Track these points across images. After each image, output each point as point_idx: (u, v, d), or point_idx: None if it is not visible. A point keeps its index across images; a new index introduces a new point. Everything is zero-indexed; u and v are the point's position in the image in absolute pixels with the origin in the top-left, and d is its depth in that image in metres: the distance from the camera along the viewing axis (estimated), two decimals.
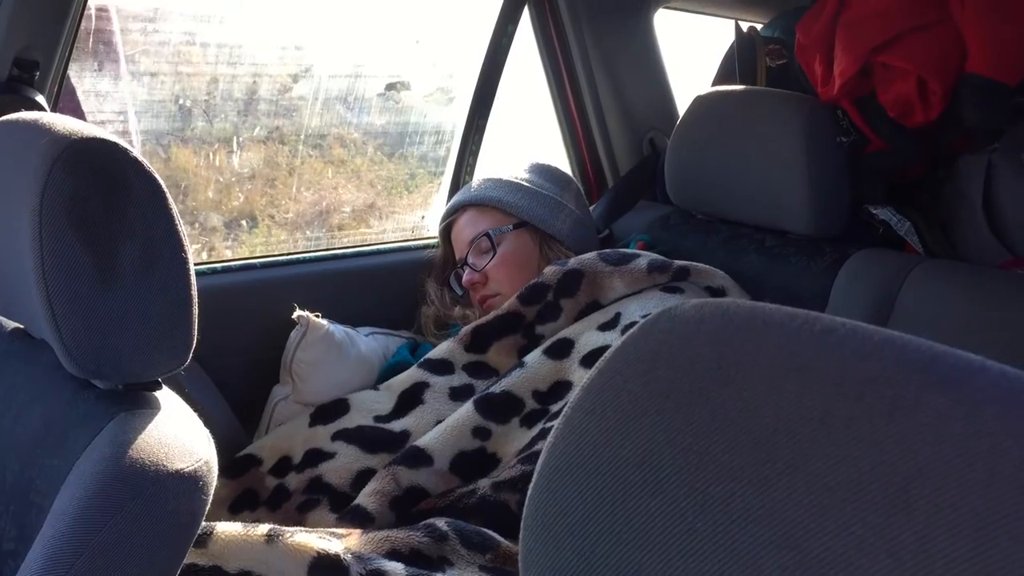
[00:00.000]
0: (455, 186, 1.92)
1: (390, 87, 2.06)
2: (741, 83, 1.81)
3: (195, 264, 1.54)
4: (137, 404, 0.81)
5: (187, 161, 1.96)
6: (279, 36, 1.91)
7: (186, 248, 0.84)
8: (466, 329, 1.52)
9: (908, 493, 0.33)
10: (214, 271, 1.57)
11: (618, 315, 1.46)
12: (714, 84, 1.92)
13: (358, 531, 1.16)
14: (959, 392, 0.34)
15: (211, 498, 0.78)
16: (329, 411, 1.46)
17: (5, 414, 0.88)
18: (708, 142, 1.66)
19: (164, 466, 0.74)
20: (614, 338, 1.41)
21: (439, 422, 1.39)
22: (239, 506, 1.37)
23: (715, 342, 0.41)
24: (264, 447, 1.42)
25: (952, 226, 1.53)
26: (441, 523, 1.19)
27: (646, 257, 1.53)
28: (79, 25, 1.24)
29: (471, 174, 1.94)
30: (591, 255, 1.54)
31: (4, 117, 0.89)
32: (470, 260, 1.64)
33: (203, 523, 0.80)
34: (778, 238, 1.60)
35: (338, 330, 1.54)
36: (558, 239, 1.65)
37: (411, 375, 1.49)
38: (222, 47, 1.84)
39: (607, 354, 0.45)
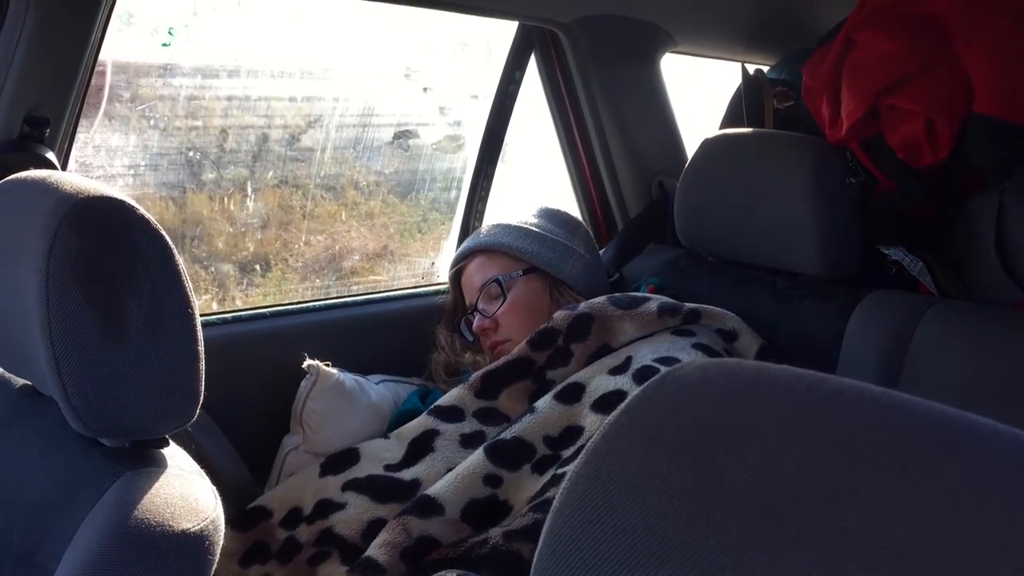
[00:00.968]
0: (465, 232, 1.93)
1: (400, 135, 2.08)
2: (749, 125, 1.81)
3: (205, 314, 1.56)
4: (143, 462, 0.81)
5: (202, 206, 1.98)
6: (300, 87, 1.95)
7: (193, 304, 0.84)
8: (476, 375, 1.51)
9: (920, 569, 0.32)
10: (224, 321, 1.57)
11: (629, 359, 1.45)
12: (722, 127, 1.93)
13: None
14: (970, 461, 0.33)
15: (218, 556, 0.77)
16: (339, 461, 1.45)
17: (13, 471, 0.88)
18: (717, 185, 1.66)
19: (169, 527, 0.73)
20: (625, 382, 1.39)
21: (450, 470, 1.38)
22: (249, 559, 1.35)
23: (720, 405, 0.40)
24: (274, 499, 1.41)
25: (965, 266, 1.52)
26: (452, 575, 1.17)
27: (656, 300, 1.52)
28: (90, 81, 1.26)
29: (480, 220, 1.94)
30: (601, 299, 1.53)
31: (14, 176, 0.90)
32: (480, 306, 1.63)
33: None
34: (789, 280, 1.59)
35: (348, 379, 1.54)
36: (568, 283, 1.64)
37: (421, 422, 1.48)
38: (233, 99, 1.87)
39: (612, 416, 0.45)
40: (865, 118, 1.50)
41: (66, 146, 1.27)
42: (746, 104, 1.84)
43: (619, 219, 2.04)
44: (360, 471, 1.42)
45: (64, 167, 1.28)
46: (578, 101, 1.95)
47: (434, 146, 2.10)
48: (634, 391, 0.45)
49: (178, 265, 0.83)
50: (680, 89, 2.09)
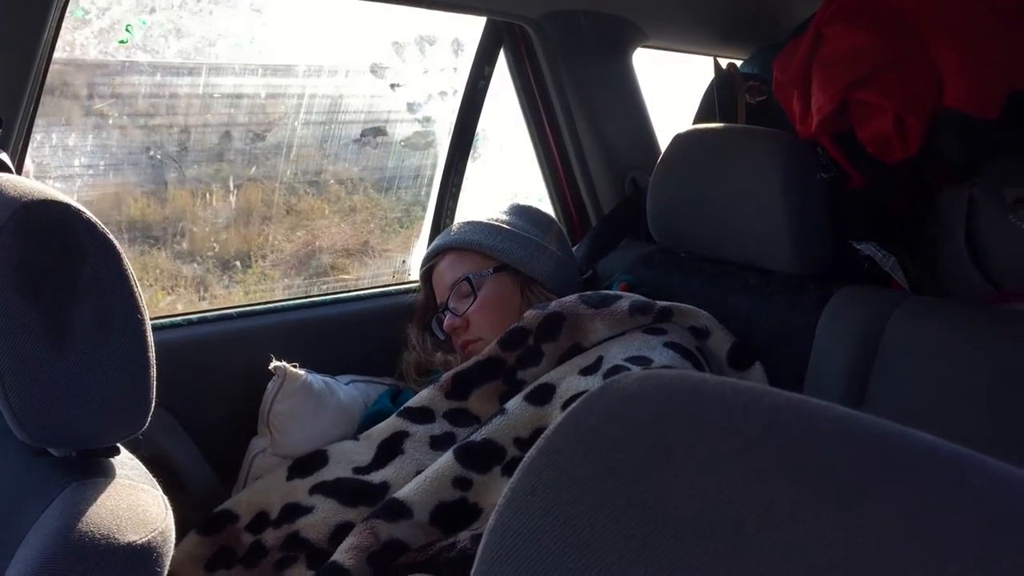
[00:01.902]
0: (435, 230, 1.91)
1: (370, 132, 2.05)
2: (721, 120, 1.80)
3: (170, 316, 1.53)
4: (91, 472, 0.79)
5: (185, 201, 1.97)
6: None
7: (143, 308, 0.82)
8: (447, 376, 1.50)
9: None
10: (190, 322, 1.54)
11: (600, 359, 1.43)
12: (695, 121, 1.92)
13: None
14: (904, 480, 0.31)
15: (167, 570, 0.75)
16: (307, 464, 1.42)
17: None
18: (689, 180, 1.65)
19: (115, 539, 0.71)
20: (595, 382, 1.38)
21: (419, 472, 1.36)
22: (215, 564, 1.33)
23: (656, 419, 0.39)
24: (241, 503, 1.39)
25: (936, 261, 1.51)
26: None
27: (628, 299, 1.51)
28: (44, 80, 1.23)
29: (451, 217, 1.93)
30: (572, 298, 1.52)
31: None
32: (451, 304, 1.62)
33: None
34: (762, 276, 1.58)
35: (316, 380, 1.52)
36: (539, 281, 1.63)
37: (391, 424, 1.46)
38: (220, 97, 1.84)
39: (547, 431, 0.43)
40: (835, 113, 1.49)
41: (20, 147, 1.24)
42: (718, 99, 1.82)
43: (592, 215, 2.03)
44: (328, 474, 1.40)
45: (19, 170, 1.26)
46: (549, 96, 1.94)
47: (403, 143, 2.08)
48: None
49: (127, 269, 0.81)
50: (653, 84, 2.07)
